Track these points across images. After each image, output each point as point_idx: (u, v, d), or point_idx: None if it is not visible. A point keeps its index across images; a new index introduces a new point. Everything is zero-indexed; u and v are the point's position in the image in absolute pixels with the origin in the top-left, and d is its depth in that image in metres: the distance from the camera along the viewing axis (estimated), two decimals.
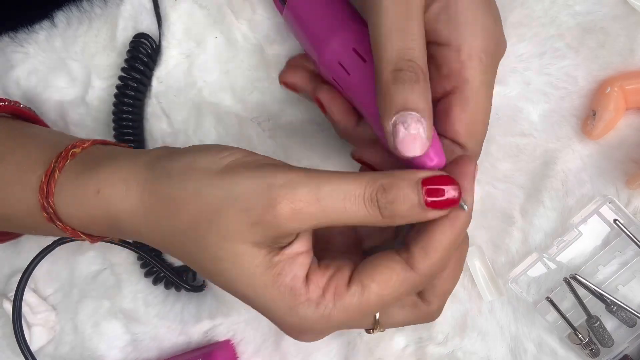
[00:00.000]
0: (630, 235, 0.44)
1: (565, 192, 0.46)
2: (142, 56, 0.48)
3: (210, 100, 0.49)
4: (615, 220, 0.44)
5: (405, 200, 0.33)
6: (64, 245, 0.47)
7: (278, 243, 0.34)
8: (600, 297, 0.44)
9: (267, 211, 0.33)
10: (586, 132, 0.45)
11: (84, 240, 0.40)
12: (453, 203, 0.34)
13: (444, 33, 0.36)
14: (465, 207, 0.34)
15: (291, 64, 0.46)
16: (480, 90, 0.37)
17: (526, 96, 0.46)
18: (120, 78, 0.48)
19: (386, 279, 0.34)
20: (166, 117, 0.49)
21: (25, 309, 0.50)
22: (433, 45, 0.37)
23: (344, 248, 0.39)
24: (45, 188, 0.38)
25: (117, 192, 0.36)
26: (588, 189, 0.45)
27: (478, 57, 0.36)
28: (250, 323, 0.49)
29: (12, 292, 0.48)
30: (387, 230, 0.40)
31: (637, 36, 0.44)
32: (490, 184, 0.46)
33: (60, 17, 0.50)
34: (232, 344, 0.50)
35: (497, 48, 0.38)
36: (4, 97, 0.46)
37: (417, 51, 0.34)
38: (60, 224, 0.38)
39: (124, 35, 0.49)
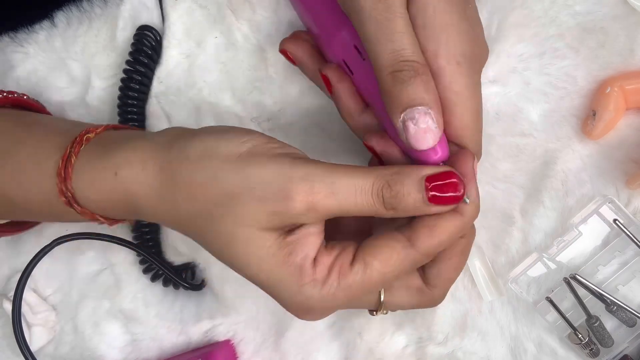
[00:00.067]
0: (630, 235, 0.44)
1: (565, 192, 0.46)
2: (146, 49, 0.48)
3: (210, 100, 0.49)
4: (615, 220, 0.44)
5: (408, 196, 0.35)
6: (63, 245, 0.47)
7: (291, 228, 0.36)
8: (600, 297, 0.44)
9: (283, 202, 0.34)
10: (586, 132, 0.45)
11: (102, 223, 0.41)
12: (456, 200, 0.35)
13: (421, 39, 0.36)
14: (467, 201, 0.35)
15: (296, 35, 0.45)
16: (463, 93, 0.37)
17: (526, 96, 0.46)
18: (125, 71, 0.48)
19: (387, 257, 0.35)
20: (166, 117, 0.49)
21: (25, 309, 0.50)
22: None
23: (354, 230, 0.40)
24: (62, 173, 0.39)
25: (135, 173, 0.37)
26: (588, 189, 0.45)
27: (456, 61, 0.36)
28: (250, 323, 0.49)
29: (12, 292, 0.48)
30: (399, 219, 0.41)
31: (637, 36, 0.44)
32: (490, 184, 0.46)
33: (60, 17, 0.50)
34: (232, 344, 0.50)
35: (475, 51, 0.38)
36: (11, 90, 0.46)
37: (409, 48, 0.35)
38: (79, 208, 0.39)
39: (124, 35, 0.49)
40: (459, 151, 0.37)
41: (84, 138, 0.40)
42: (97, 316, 0.51)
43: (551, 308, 0.45)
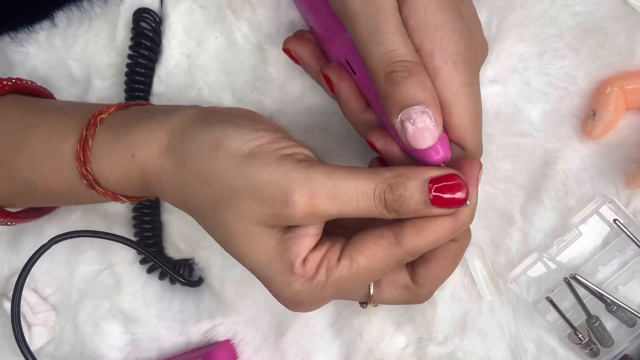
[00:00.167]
0: (630, 235, 0.44)
1: (565, 192, 0.46)
2: (147, 32, 0.48)
3: (210, 100, 0.49)
4: (615, 220, 0.44)
5: (411, 199, 0.35)
6: (63, 245, 0.47)
7: (290, 225, 0.36)
8: (600, 297, 0.44)
9: (285, 205, 0.35)
10: (586, 132, 0.45)
11: (123, 202, 0.42)
12: (459, 202, 0.35)
13: (415, 40, 0.36)
14: (468, 203, 0.35)
15: (299, 34, 0.45)
16: (461, 92, 0.37)
17: (526, 96, 0.46)
18: (130, 56, 0.48)
19: (373, 253, 0.36)
20: None
21: (25, 309, 0.50)
22: None
23: (355, 225, 0.40)
24: (82, 156, 0.39)
25: (151, 155, 0.38)
26: (588, 189, 0.45)
27: (452, 60, 0.36)
28: (250, 323, 0.49)
29: (12, 292, 0.48)
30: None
31: (637, 36, 0.44)
32: (490, 184, 0.46)
33: (60, 17, 0.50)
34: (232, 344, 0.50)
35: (471, 50, 0.38)
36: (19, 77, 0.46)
37: (401, 48, 0.35)
38: (101, 189, 0.40)
39: (124, 35, 0.49)
40: (466, 158, 0.37)
41: (98, 119, 0.40)
42: (97, 316, 0.51)
43: (551, 308, 0.45)
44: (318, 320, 0.48)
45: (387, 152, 0.39)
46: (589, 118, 0.44)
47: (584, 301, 0.44)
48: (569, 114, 0.45)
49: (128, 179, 0.39)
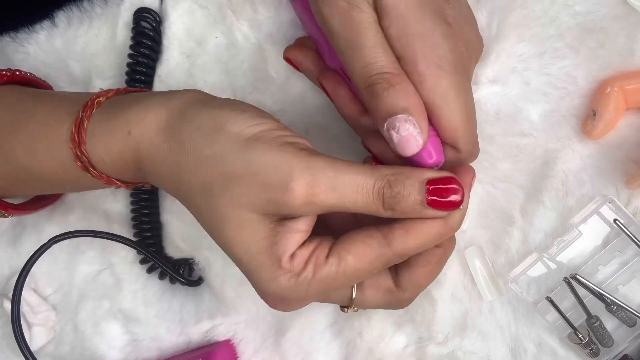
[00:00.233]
0: (630, 235, 0.44)
1: (565, 192, 0.46)
2: (148, 31, 0.48)
3: None
4: (615, 220, 0.44)
5: (408, 197, 0.35)
6: (63, 245, 0.47)
7: (284, 217, 0.36)
8: (600, 297, 0.44)
9: (284, 192, 0.34)
10: (586, 132, 0.45)
11: (118, 187, 0.41)
12: (454, 205, 0.35)
13: (397, 49, 0.36)
14: (462, 207, 0.36)
15: (299, 42, 0.46)
16: (448, 94, 0.37)
17: (526, 96, 0.46)
18: (130, 56, 0.48)
19: (362, 253, 0.36)
20: None
21: (25, 309, 0.50)
22: None
23: (340, 228, 0.40)
24: (76, 137, 0.39)
25: (147, 133, 0.38)
26: (588, 189, 0.45)
27: (435, 64, 0.36)
28: (250, 323, 0.49)
29: (12, 292, 0.48)
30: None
31: (637, 36, 0.44)
32: (490, 184, 0.46)
33: (60, 17, 0.50)
34: (232, 344, 0.50)
35: (457, 51, 0.37)
36: (18, 69, 0.47)
37: (379, 61, 0.35)
38: (95, 172, 0.40)
39: (124, 35, 0.49)
40: (460, 165, 0.38)
41: (95, 102, 0.40)
42: (97, 316, 0.51)
43: (551, 308, 0.45)
44: (318, 320, 0.48)
45: (384, 158, 0.40)
46: (589, 118, 0.44)
47: (584, 301, 0.44)
48: (569, 114, 0.45)
49: (122, 160, 0.39)
